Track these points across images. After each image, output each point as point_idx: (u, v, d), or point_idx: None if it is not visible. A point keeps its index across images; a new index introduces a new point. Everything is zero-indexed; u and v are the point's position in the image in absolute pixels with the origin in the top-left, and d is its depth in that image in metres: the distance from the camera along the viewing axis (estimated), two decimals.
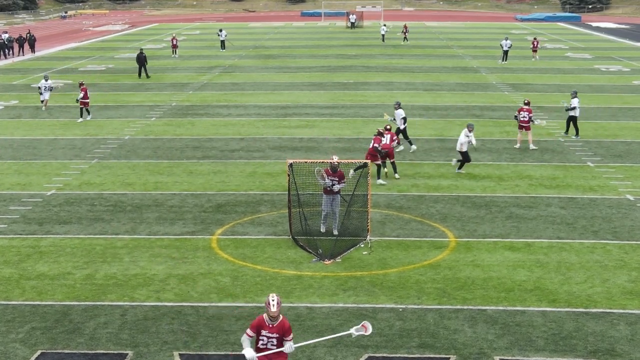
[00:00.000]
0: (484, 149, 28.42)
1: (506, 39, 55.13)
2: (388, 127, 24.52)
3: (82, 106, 33.98)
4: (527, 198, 22.28)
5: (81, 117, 34.00)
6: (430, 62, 54.83)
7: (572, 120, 30.12)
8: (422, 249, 18.28)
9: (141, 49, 48.72)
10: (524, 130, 28.23)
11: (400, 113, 27.60)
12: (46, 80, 36.55)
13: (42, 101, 36.66)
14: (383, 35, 71.20)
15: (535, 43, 57.21)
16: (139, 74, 46.91)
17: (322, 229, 19.17)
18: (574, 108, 29.77)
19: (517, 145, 28.44)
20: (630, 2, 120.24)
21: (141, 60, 46.82)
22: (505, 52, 54.40)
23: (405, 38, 69.87)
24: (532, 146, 28.18)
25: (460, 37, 75.21)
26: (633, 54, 61.09)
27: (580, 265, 17.19)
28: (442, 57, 58.11)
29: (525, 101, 28.98)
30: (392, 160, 24.35)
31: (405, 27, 72.34)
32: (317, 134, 30.84)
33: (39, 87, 36.49)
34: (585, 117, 34.00)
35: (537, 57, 56.71)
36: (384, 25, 75.05)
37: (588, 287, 15.97)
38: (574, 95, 29.98)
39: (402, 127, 27.63)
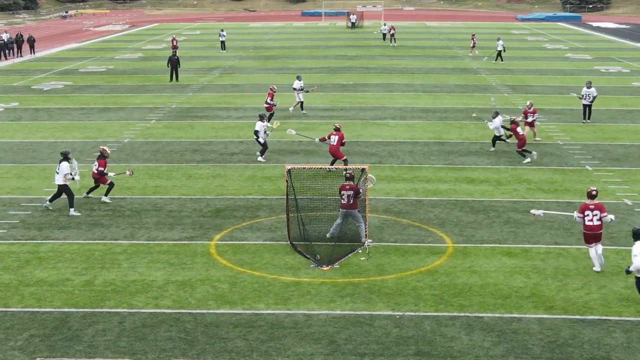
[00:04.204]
0: (482, 152, 28.47)
1: (498, 39, 55.78)
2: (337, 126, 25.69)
3: (269, 112, 32.81)
4: (525, 203, 22.30)
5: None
6: (430, 63, 54.83)
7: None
8: (420, 254, 18.34)
9: (174, 52, 48.39)
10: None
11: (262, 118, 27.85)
12: (299, 80, 35.16)
13: (299, 102, 35.48)
14: (384, 34, 70.79)
15: (475, 40, 59.86)
16: (171, 77, 46.48)
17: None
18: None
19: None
20: (631, 2, 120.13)
21: (174, 63, 46.51)
22: (499, 53, 54.78)
23: (393, 39, 66.89)
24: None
25: (461, 37, 75.11)
26: (633, 54, 61.03)
27: (577, 272, 17.24)
28: (442, 58, 58.10)
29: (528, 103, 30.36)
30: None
31: (392, 27, 67.96)
32: (315, 136, 30.79)
33: (295, 89, 34.95)
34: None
35: (477, 52, 59.17)
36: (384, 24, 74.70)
37: (585, 294, 16.03)
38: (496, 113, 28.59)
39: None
